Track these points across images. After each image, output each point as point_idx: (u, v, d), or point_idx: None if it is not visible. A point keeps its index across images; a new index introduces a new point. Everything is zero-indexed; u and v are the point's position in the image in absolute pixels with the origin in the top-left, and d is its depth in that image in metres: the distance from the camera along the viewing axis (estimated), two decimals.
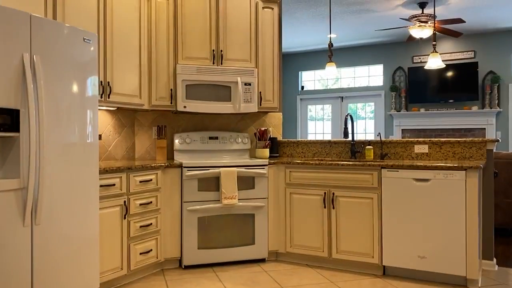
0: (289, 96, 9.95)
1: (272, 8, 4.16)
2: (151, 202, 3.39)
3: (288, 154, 4.43)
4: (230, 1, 3.97)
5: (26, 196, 2.24)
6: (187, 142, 4.05)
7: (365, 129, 9.24)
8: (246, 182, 3.69)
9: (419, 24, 6.15)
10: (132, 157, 4.04)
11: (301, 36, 8.19)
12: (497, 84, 7.82)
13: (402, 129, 8.73)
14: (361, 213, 3.46)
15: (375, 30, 6.46)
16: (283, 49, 9.39)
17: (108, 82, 3.40)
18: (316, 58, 9.59)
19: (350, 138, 4.02)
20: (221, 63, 3.95)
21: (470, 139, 3.59)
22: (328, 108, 9.59)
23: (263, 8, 4.12)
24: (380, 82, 9.04)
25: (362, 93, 9.16)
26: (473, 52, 8.11)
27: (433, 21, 6.15)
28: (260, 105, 4.11)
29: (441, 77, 8.20)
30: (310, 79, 9.88)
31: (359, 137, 9.30)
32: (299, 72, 9.86)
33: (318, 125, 9.73)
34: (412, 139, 3.82)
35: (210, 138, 4.14)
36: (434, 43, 3.83)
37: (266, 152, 4.21)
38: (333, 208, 3.57)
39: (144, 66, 3.74)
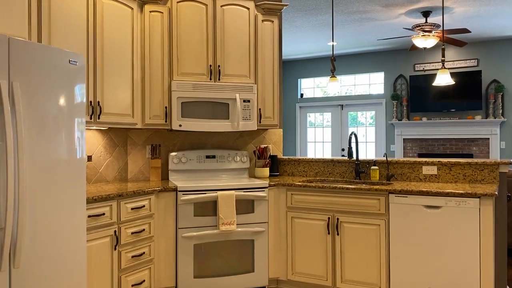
0: (288, 103, 9.76)
1: (272, 21, 3.96)
2: (143, 229, 3.18)
3: (289, 172, 4.22)
4: (228, 13, 3.77)
5: (4, 238, 2.02)
6: (182, 161, 3.85)
7: (366, 137, 9.05)
8: (245, 206, 3.48)
9: (422, 34, 5.97)
10: (125, 178, 3.83)
11: (300, 43, 8.00)
12: (501, 93, 7.64)
13: (403, 139, 8.55)
14: (367, 240, 3.25)
15: (377, 39, 6.28)
16: (282, 56, 9.20)
17: (98, 102, 3.19)
18: (315, 65, 9.41)
19: (354, 157, 3.83)
20: (219, 79, 3.75)
21: (482, 160, 3.39)
22: (328, 116, 9.40)
23: (262, 21, 3.92)
24: (381, 90, 8.86)
25: (363, 101, 8.98)
26: (476, 60, 7.94)
27: (437, 31, 5.97)
28: (260, 122, 3.91)
29: (444, 86, 8.01)
30: (309, 87, 9.69)
31: (359, 145, 9.10)
32: (298, 79, 9.67)
33: (318, 133, 9.54)
34: (421, 160, 3.63)
35: (207, 157, 3.94)
36: (443, 58, 3.64)
37: (266, 171, 4.00)
38: (338, 234, 3.36)
39: (137, 83, 3.54)
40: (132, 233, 3.08)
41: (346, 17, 6.29)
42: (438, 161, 3.55)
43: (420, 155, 8.38)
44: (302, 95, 9.65)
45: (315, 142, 9.57)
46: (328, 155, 9.41)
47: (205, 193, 3.39)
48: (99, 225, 2.83)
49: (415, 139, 8.44)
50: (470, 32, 5.51)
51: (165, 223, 3.34)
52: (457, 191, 2.96)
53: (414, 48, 6.56)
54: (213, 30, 3.74)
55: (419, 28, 5.98)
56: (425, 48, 6.12)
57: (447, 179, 3.53)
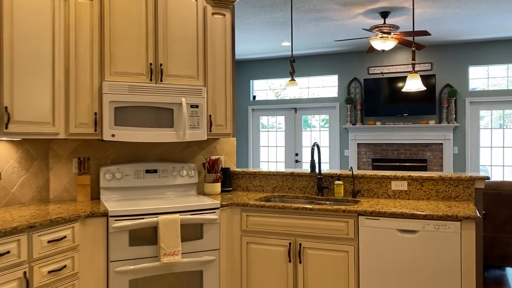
0: (240, 106, 9.28)
1: (224, 15, 3.45)
2: (65, 266, 2.56)
3: (243, 187, 3.73)
4: (171, 3, 3.22)
5: None
6: (117, 177, 3.24)
7: (320, 143, 8.75)
8: (192, 231, 2.95)
9: (381, 35, 5.69)
10: (46, 198, 3.17)
11: (253, 42, 7.54)
12: (454, 98, 7.59)
13: (357, 143, 8.32)
14: (334, 269, 2.83)
15: (334, 40, 5.96)
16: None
17: (6, 108, 2.54)
18: (268, 66, 8.99)
19: (316, 170, 3.39)
20: (161, 80, 3.18)
21: (457, 175, 3.07)
22: (281, 119, 9.01)
23: (213, 14, 3.39)
24: (335, 93, 8.59)
25: (317, 105, 8.67)
26: (430, 64, 7.84)
27: (396, 32, 5.71)
28: (210, 131, 3.38)
29: (398, 90, 7.86)
30: (262, 89, 9.26)
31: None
32: (251, 80, 9.22)
33: (271, 136, 9.13)
34: (389, 174, 3.26)
35: (147, 171, 3.36)
36: (413, 61, 3.29)
37: (217, 187, 3.49)
38: (300, 262, 2.91)
39: (59, 85, 2.90)
40: (50, 272, 2.46)
41: (302, 16, 5.90)
42: (409, 176, 3.20)
43: (374, 160, 8.19)
44: (254, 97, 9.20)
45: (268, 146, 9.15)
46: (281, 159, 9.03)
47: (143, 218, 2.81)
48: (2, 266, 2.19)
49: (369, 144, 8.24)
50: (430, 34, 5.30)
51: (93, 256, 2.74)
52: (435, 214, 2.59)
53: (371, 50, 6.29)
54: (154, 23, 3.17)
55: (377, 29, 5.70)
56: (383, 51, 5.85)
57: (418, 195, 3.18)
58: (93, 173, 3.31)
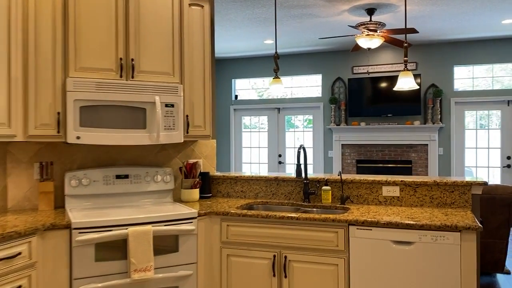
0: (221, 105, 9.00)
1: (202, 6, 3.18)
2: (19, 286, 2.26)
3: (224, 193, 3.46)
4: None
5: None
6: (84, 183, 2.94)
7: (303, 142, 8.54)
8: (166, 243, 2.67)
9: (367, 33, 5.49)
10: (3, 208, 2.85)
11: (234, 40, 7.27)
12: (439, 98, 7.46)
13: (342, 144, 8.14)
14: (323, 284, 2.59)
15: (319, 38, 5.74)
16: (215, 54, 8.42)
17: None
18: (251, 65, 8.74)
19: (303, 175, 3.15)
20: (132, 77, 2.89)
21: (453, 180, 2.87)
22: (264, 119, 8.77)
23: (190, 5, 3.12)
24: (319, 93, 8.39)
25: (300, 105, 8.45)
26: (415, 64, 7.71)
27: (382, 30, 5.52)
28: (187, 132, 3.11)
29: (382, 90, 7.71)
30: (244, 88, 9.00)
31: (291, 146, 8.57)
32: (233, 79, 8.94)
33: (254, 137, 8.87)
34: (380, 179, 3.04)
35: (118, 176, 3.06)
36: (405, 58, 3.07)
37: (195, 193, 3.21)
38: (285, 276, 2.66)
39: (17, 81, 2.59)
40: None
41: (285, 12, 5.66)
42: (401, 181, 2.98)
43: (358, 162, 8.02)
44: (236, 96, 8.93)
45: (251, 147, 8.89)
46: (264, 160, 8.78)
47: (111, 230, 2.52)
48: None
49: (354, 144, 8.06)
50: (418, 32, 5.13)
51: (55, 273, 2.43)
52: (433, 223, 2.38)
53: (356, 48, 6.09)
54: (124, 13, 2.88)
55: (363, 26, 5.50)
56: (369, 49, 5.66)
57: (411, 202, 2.97)
58: (57, 179, 3.00)
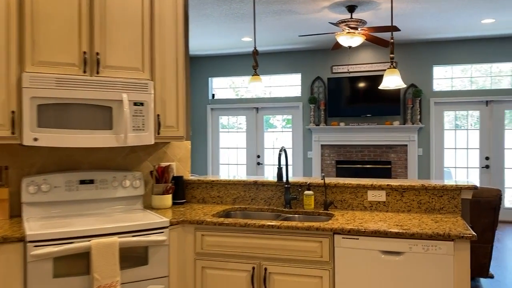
0: (198, 105, 8.73)
1: None
2: None
3: (199, 198, 3.23)
4: None
5: None
6: (43, 190, 2.66)
7: (282, 143, 8.35)
8: (134, 256, 2.42)
9: (348, 31, 5.34)
10: None
11: (211, 37, 7.03)
12: (419, 98, 7.39)
13: (321, 145, 7.99)
14: None
15: (298, 35, 5.57)
16: (190, 51, 8.14)
17: None
18: (228, 63, 8.50)
19: (284, 179, 2.94)
20: (97, 72, 2.63)
21: (442, 184, 2.71)
22: (242, 119, 8.55)
23: None
24: (298, 93, 8.23)
25: (279, 104, 8.27)
26: (394, 64, 7.62)
27: (363, 28, 5.38)
28: (158, 133, 2.86)
29: (362, 90, 7.60)
30: (222, 87, 8.76)
31: (272, 152, 8.39)
32: (209, 78, 8.69)
33: (232, 137, 8.64)
34: (365, 183, 2.86)
35: (82, 182, 2.79)
36: (392, 55, 2.91)
37: (168, 199, 2.97)
38: None
39: None
40: None
41: (264, 8, 5.46)
42: (387, 185, 2.81)
43: (338, 162, 7.89)
44: (213, 96, 8.68)
45: (228, 148, 8.66)
46: (243, 162, 8.56)
47: (72, 243, 2.26)
48: None
49: (333, 145, 7.92)
50: (400, 30, 5.00)
51: None
52: (424, 232, 2.21)
53: (336, 47, 5.94)
54: (89, 3, 2.61)
55: (344, 24, 5.34)
56: (350, 47, 5.51)
57: (398, 207, 2.80)
58: (13, 185, 2.71)
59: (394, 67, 2.88)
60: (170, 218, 2.58)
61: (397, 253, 2.25)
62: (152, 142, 2.77)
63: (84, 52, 2.59)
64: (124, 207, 2.92)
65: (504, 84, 7.23)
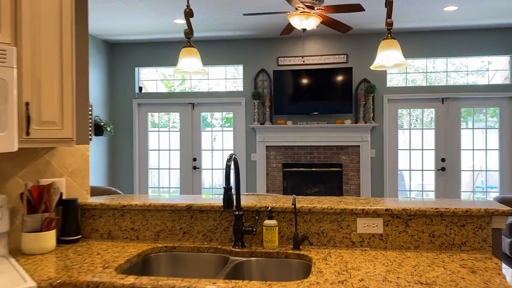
0: (122, 98, 7.46)
1: None
2: None
3: (103, 233, 2.13)
4: None
5: None
6: None
7: (222, 145, 7.34)
8: None
9: (302, 10, 4.45)
10: None
11: (138, 18, 5.84)
12: (372, 95, 6.72)
13: (266, 146, 7.08)
14: None
15: (243, 14, 4.62)
16: (112, 35, 6.85)
17: None
18: (158, 51, 7.33)
19: (234, 205, 1.94)
20: None
21: (465, 208, 1.86)
22: (175, 116, 7.42)
23: None
24: (240, 87, 7.26)
25: (218, 100, 7.24)
26: (345, 56, 6.89)
27: (320, 7, 4.52)
28: (28, 134, 1.74)
29: (311, 85, 6.79)
30: (151, 79, 7.56)
31: (214, 154, 7.35)
32: (136, 68, 7.46)
33: (163, 137, 7.48)
34: (354, 207, 1.94)
35: None
36: (389, 20, 2.01)
37: (49, 238, 1.86)
38: None
39: None
40: None
41: None
42: (386, 210, 1.91)
43: (284, 166, 7.03)
44: (141, 88, 7.46)
45: (159, 150, 7.48)
46: (176, 166, 7.43)
47: None
48: None
49: (280, 146, 7.05)
50: (364, 10, 4.20)
51: None
52: None
53: (287, 30, 5.05)
54: None
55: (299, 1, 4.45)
56: (304, 30, 4.63)
57: (401, 242, 1.91)
58: None
59: (393, 38, 1.98)
60: (43, 278, 1.48)
61: None
62: (15, 149, 1.64)
63: None
64: None
65: (461, 81, 6.76)
